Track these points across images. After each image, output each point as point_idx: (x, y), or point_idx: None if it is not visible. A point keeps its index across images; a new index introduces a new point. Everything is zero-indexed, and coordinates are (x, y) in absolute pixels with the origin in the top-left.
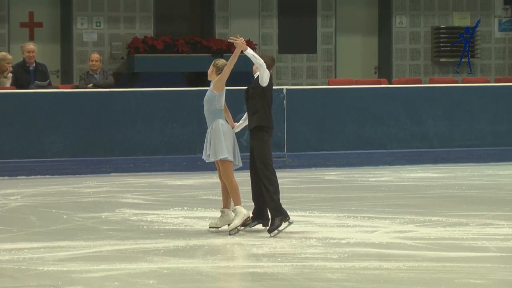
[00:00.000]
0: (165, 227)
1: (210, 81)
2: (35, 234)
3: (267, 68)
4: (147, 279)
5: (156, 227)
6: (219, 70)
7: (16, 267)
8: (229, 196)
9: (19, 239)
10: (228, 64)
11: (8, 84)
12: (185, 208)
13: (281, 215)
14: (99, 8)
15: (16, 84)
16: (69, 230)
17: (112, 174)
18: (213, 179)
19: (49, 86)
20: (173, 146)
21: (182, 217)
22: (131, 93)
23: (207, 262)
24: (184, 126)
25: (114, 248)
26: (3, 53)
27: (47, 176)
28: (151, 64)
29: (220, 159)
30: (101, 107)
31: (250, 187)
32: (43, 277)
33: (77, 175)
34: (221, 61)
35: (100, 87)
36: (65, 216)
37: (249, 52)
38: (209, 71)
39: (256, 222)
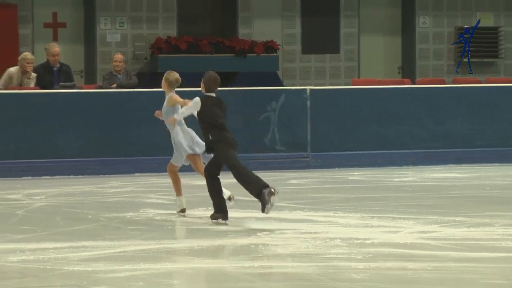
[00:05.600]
0: (189, 227)
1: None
2: (60, 234)
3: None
4: (171, 279)
5: (180, 227)
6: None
7: (41, 267)
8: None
9: (43, 239)
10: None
11: (32, 85)
12: (209, 208)
13: (261, 188)
14: (122, 8)
15: (39, 84)
16: (93, 230)
17: (136, 174)
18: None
19: (74, 87)
20: None
21: (206, 217)
22: (154, 93)
23: (231, 262)
24: None
25: (138, 248)
26: (25, 53)
27: (71, 176)
28: (174, 64)
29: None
30: (125, 107)
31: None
32: (68, 277)
33: (101, 175)
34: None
35: (124, 88)
36: (89, 216)
37: (180, 115)
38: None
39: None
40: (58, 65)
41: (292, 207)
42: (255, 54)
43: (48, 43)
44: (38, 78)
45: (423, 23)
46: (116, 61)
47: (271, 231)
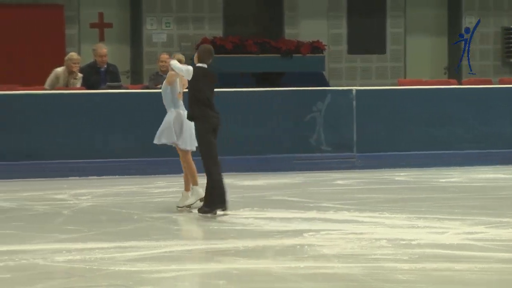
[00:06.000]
0: (234, 228)
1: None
2: (106, 234)
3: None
4: (216, 279)
5: (226, 227)
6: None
7: (87, 267)
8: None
9: (90, 239)
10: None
11: (78, 85)
12: (255, 208)
13: (223, 202)
14: (168, 9)
15: (86, 84)
16: (139, 230)
17: (182, 174)
18: (283, 179)
19: (121, 87)
20: (243, 147)
21: (252, 217)
22: None
23: (277, 263)
24: (254, 127)
25: (184, 248)
26: (71, 53)
27: (117, 176)
28: (220, 64)
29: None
30: None
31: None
32: (114, 277)
33: (147, 175)
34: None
35: None
36: (135, 216)
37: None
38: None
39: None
40: (105, 66)
41: (338, 207)
42: (301, 55)
43: (95, 43)
44: (84, 78)
45: (470, 23)
46: (162, 61)
47: (316, 231)
